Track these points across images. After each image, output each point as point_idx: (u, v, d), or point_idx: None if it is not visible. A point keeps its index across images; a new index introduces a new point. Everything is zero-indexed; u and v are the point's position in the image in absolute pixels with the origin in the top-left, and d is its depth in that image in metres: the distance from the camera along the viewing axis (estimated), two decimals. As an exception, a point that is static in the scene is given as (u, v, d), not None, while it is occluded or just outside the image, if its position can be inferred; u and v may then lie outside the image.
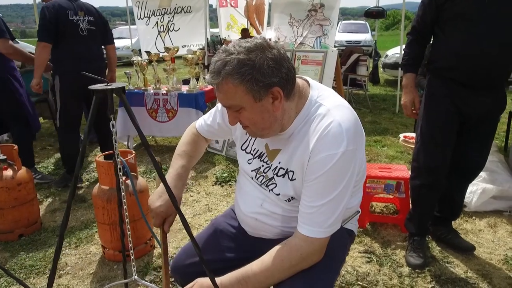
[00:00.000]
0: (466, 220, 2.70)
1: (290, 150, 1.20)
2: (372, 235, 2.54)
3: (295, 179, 1.20)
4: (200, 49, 6.00)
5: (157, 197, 1.32)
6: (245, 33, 7.78)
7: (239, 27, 9.12)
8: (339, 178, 1.12)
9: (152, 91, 4.29)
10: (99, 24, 3.49)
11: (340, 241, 1.34)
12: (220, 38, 7.63)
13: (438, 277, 2.10)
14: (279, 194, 1.25)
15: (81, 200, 3.22)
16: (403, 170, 2.64)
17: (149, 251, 2.45)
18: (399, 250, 2.37)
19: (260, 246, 1.33)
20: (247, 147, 1.36)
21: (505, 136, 4.10)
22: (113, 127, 1.07)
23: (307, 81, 1.24)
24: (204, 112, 4.19)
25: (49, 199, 3.24)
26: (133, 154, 2.38)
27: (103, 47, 3.64)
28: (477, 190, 2.77)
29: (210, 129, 1.48)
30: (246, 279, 1.16)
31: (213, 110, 1.48)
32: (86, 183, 3.58)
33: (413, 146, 3.14)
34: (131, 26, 9.33)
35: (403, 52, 2.20)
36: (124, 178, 2.32)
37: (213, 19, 13.43)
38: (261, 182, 1.31)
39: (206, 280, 1.18)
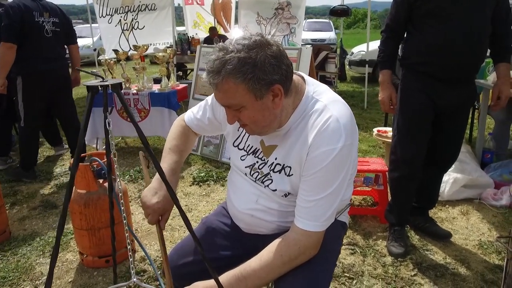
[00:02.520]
0: (440, 209, 2.81)
1: (287, 146, 1.19)
2: (354, 227, 2.59)
3: (292, 174, 1.20)
4: (168, 47, 5.86)
5: (152, 193, 1.25)
6: (213, 32, 7.71)
7: (206, 25, 9.03)
8: (337, 172, 1.13)
9: (121, 91, 4.15)
10: (63, 24, 3.49)
11: (334, 233, 1.35)
12: (188, 36, 7.51)
13: (420, 265, 2.17)
14: (275, 190, 1.24)
15: (51, 206, 3.06)
16: (380, 164, 2.71)
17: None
18: (380, 240, 2.43)
19: (255, 242, 1.31)
20: (239, 143, 1.34)
21: (469, 128, 4.31)
22: (109, 125, 1.01)
23: (303, 77, 1.23)
24: (177, 112, 4.11)
25: (17, 207, 3.06)
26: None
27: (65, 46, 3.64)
28: (449, 180, 2.89)
29: (200, 123, 1.44)
30: (245, 276, 1.14)
31: (202, 103, 1.44)
32: (55, 188, 3.41)
33: (387, 140, 3.24)
34: (92, 25, 8.99)
35: (378, 49, 2.25)
36: (101, 181, 2.25)
37: (180, 17, 13.21)
38: (256, 178, 1.29)
39: (202, 283, 1.16)
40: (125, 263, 2.29)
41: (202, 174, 3.57)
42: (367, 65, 6.22)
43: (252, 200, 1.31)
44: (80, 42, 14.21)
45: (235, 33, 8.28)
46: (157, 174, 1.30)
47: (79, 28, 16.59)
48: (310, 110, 1.15)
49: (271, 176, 1.25)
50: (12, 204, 3.08)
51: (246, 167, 1.31)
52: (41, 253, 2.43)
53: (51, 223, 2.81)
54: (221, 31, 8.60)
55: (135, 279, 1.11)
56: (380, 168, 2.62)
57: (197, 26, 9.02)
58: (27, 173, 3.52)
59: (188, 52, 7.08)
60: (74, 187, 2.23)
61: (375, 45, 7.83)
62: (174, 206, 1.22)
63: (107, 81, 0.94)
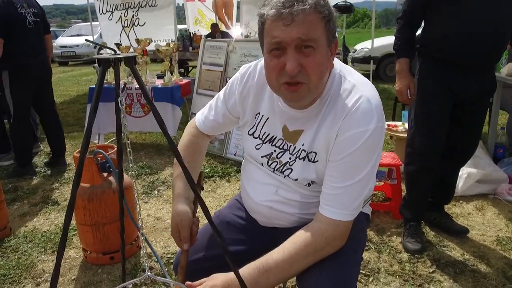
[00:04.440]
0: (454, 205, 2.73)
1: (313, 129, 1.10)
2: (366, 224, 2.50)
3: (317, 161, 1.11)
4: (172, 41, 5.77)
5: (178, 222, 1.18)
6: (215, 28, 7.62)
7: (207, 22, 8.94)
8: (368, 156, 1.05)
9: (123, 86, 4.06)
10: (41, 14, 3.43)
11: (360, 225, 1.27)
12: (190, 33, 7.41)
13: (438, 261, 2.09)
14: (296, 179, 1.16)
15: (53, 202, 2.97)
16: (393, 157, 2.62)
17: (135, 251, 2.28)
18: (395, 236, 2.35)
19: (273, 236, 1.22)
20: (254, 131, 1.25)
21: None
22: (121, 103, 0.93)
23: None
24: (181, 108, 4.02)
25: (17, 203, 2.97)
26: (115, 149, 2.20)
27: None
28: (462, 175, 2.80)
29: (214, 124, 1.33)
30: (267, 268, 1.05)
31: (212, 103, 1.34)
32: (57, 184, 3.32)
33: (397, 134, 3.16)
34: (93, 23, 8.92)
35: (394, 37, 2.17)
36: (106, 174, 2.16)
37: (180, 16, 13.11)
38: (274, 168, 1.20)
39: (222, 275, 1.07)
40: (130, 260, 2.20)
41: (207, 170, 3.49)
42: (371, 62, 6.14)
43: (270, 192, 1.22)
44: (81, 40, 14.11)
45: (237, 30, 8.18)
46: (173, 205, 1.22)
47: (78, 26, 16.56)
48: (337, 90, 1.07)
49: (291, 165, 1.16)
50: (12, 200, 2.99)
51: (262, 156, 1.22)
52: (43, 250, 2.34)
53: (52, 219, 2.72)
54: (222, 28, 8.50)
55: (149, 273, 1.02)
56: (393, 162, 2.53)
57: (199, 23, 8.92)
58: (25, 170, 3.44)
59: (190, 48, 6.98)
60: (77, 180, 2.14)
61: (378, 42, 7.77)
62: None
63: (119, 54, 0.85)
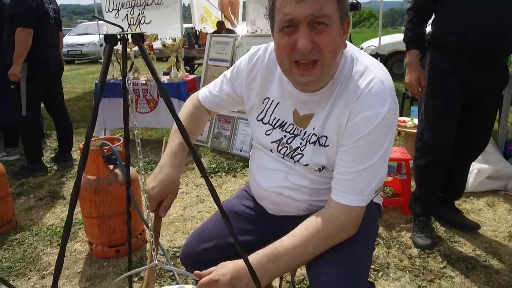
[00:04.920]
0: (465, 200, 2.68)
1: (324, 113, 1.07)
2: (374, 219, 2.46)
3: (328, 145, 1.08)
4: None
5: (152, 178, 1.14)
6: (220, 26, 7.61)
7: (213, 20, 8.93)
8: (382, 140, 1.01)
9: (130, 81, 4.04)
10: (58, 12, 3.47)
11: (372, 215, 1.23)
12: (196, 30, 7.41)
13: (449, 256, 2.05)
14: (307, 165, 1.12)
15: (59, 196, 2.97)
16: (402, 152, 2.58)
17: (141, 245, 2.26)
18: (404, 232, 2.31)
19: (282, 225, 1.18)
20: (264, 117, 1.21)
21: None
22: (128, 83, 0.90)
23: None
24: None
25: (23, 197, 2.96)
26: (121, 141, 2.18)
27: None
28: (473, 171, 2.76)
29: (217, 100, 1.31)
30: (277, 256, 1.02)
31: (218, 80, 1.32)
32: (63, 178, 3.31)
33: (406, 130, 3.12)
34: (99, 22, 8.95)
35: (404, 28, 2.13)
36: (112, 167, 2.14)
37: (185, 16, 13.13)
38: (284, 154, 1.17)
39: (231, 262, 1.04)
40: (135, 253, 2.18)
41: (213, 166, 3.46)
42: (379, 59, 6.08)
43: (280, 178, 1.19)
44: (87, 39, 14.19)
45: (243, 28, 8.16)
46: (161, 159, 1.18)
47: (85, 25, 16.63)
48: (349, 72, 1.03)
49: (301, 150, 1.13)
50: (18, 195, 2.99)
51: (272, 142, 1.19)
52: (48, 243, 2.33)
53: (58, 213, 2.71)
54: (228, 25, 8.49)
55: (156, 262, 0.99)
56: (402, 156, 2.49)
57: (204, 21, 8.91)
58: (36, 166, 3.38)
59: (196, 46, 6.98)
60: (84, 174, 2.13)
61: (385, 39, 7.71)
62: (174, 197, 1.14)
63: (127, 31, 0.83)
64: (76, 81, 9.22)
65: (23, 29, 2.98)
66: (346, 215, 1.03)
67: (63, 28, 3.72)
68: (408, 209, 2.40)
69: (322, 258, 1.04)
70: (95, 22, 9.29)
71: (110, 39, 0.81)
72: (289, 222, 1.11)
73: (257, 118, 1.22)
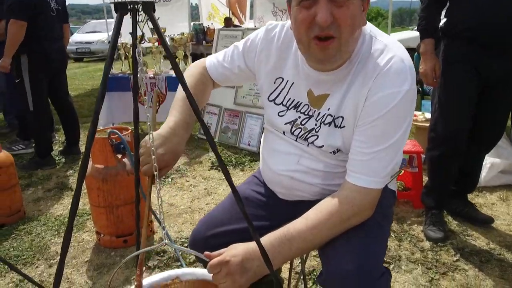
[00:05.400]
0: (477, 195, 2.63)
1: (340, 93, 1.04)
2: (385, 212, 2.42)
3: (344, 126, 1.05)
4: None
5: (161, 142, 1.01)
6: (228, 22, 7.58)
7: (220, 17, 8.91)
8: (400, 120, 0.98)
9: (141, 52, 4.03)
10: (62, 3, 3.43)
11: (387, 200, 1.20)
12: (203, 27, 7.38)
13: (462, 250, 2.00)
14: (321, 147, 1.09)
15: (67, 188, 2.97)
16: (414, 145, 2.54)
17: (149, 235, 2.24)
18: (416, 225, 2.26)
19: (294, 210, 1.14)
20: (276, 97, 1.17)
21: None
22: (139, 55, 0.88)
23: None
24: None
25: (31, 188, 2.96)
26: (129, 131, 2.17)
27: None
28: (485, 165, 2.70)
29: (226, 72, 1.23)
30: (289, 238, 0.99)
31: (229, 50, 1.23)
32: (71, 171, 3.31)
33: (418, 124, 3.07)
34: (108, 20, 9.02)
35: (418, 17, 2.08)
36: (120, 156, 2.13)
37: (193, 16, 13.14)
38: (298, 135, 1.14)
39: (242, 245, 1.01)
40: (143, 244, 2.16)
41: (220, 159, 3.44)
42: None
43: (292, 161, 1.16)
44: (95, 37, 14.25)
45: (251, 25, 8.13)
46: (168, 123, 1.07)
47: (94, 23, 16.71)
48: (368, 50, 1.00)
49: (316, 132, 1.10)
50: (26, 186, 2.99)
51: (286, 123, 1.16)
52: (56, 232, 2.32)
53: (66, 204, 2.70)
54: (236, 22, 8.46)
55: (166, 241, 0.97)
56: (414, 149, 2.45)
57: (212, 18, 8.89)
58: (45, 160, 3.37)
59: (204, 42, 6.95)
60: (91, 162, 2.12)
61: (394, 36, 7.63)
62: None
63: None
64: (85, 78, 9.26)
65: (16, 21, 2.93)
66: (362, 197, 1.00)
67: (71, 26, 3.69)
68: (419, 203, 2.36)
69: (336, 241, 1.01)
70: (104, 20, 9.34)
71: (120, 8, 0.78)
72: (301, 207, 1.08)
73: (268, 98, 1.19)
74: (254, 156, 3.52)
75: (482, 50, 1.89)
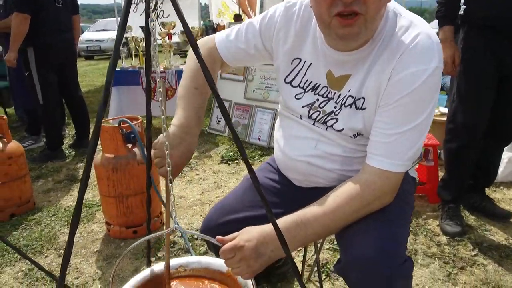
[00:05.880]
0: (495, 190, 2.55)
1: (362, 73, 0.99)
2: (399, 207, 2.36)
3: (365, 108, 1.00)
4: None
5: (177, 142, 0.99)
6: (237, 19, 7.55)
7: (230, 14, 8.87)
8: (427, 100, 0.93)
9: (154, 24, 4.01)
10: None
11: (408, 186, 1.15)
12: (213, 23, 7.38)
13: (480, 245, 1.94)
14: (341, 130, 1.05)
15: (76, 179, 2.96)
16: (430, 137, 2.47)
17: (158, 227, 2.21)
18: (431, 220, 2.20)
19: (310, 197, 1.09)
20: (293, 79, 1.13)
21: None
22: (152, 23, 0.84)
23: None
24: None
25: (41, 180, 2.96)
26: (139, 120, 2.14)
27: None
28: (503, 160, 2.62)
29: (239, 52, 1.14)
30: (305, 222, 0.95)
31: (242, 27, 1.14)
32: (81, 163, 3.30)
33: (433, 118, 2.99)
34: (118, 19, 9.03)
35: (437, 3, 2.02)
36: (130, 146, 2.10)
37: (202, 16, 13.16)
38: (316, 119, 1.09)
39: (255, 228, 0.97)
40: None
41: (230, 153, 3.40)
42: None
43: (309, 146, 1.12)
44: (106, 35, 14.37)
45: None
46: (179, 119, 1.03)
47: (104, 21, 16.83)
48: (392, 27, 0.95)
49: (336, 115, 1.05)
50: (37, 177, 2.99)
51: (303, 106, 1.11)
52: (66, 223, 2.31)
53: (76, 195, 2.67)
54: (245, 19, 8.44)
55: (176, 225, 0.93)
56: (430, 141, 2.38)
57: (222, 15, 8.87)
58: (55, 153, 3.37)
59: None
60: (101, 151, 2.10)
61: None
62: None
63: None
64: (95, 75, 9.31)
65: (18, 14, 2.90)
66: (383, 181, 0.95)
67: (82, 24, 3.65)
68: (435, 197, 2.30)
69: (355, 225, 0.97)
70: (114, 18, 9.39)
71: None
72: (317, 194, 1.03)
73: (284, 80, 1.14)
74: (264, 150, 3.48)
75: (502, 39, 1.83)
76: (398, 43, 0.93)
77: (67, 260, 0.76)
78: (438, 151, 2.40)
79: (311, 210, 0.96)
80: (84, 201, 2.56)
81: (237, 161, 3.27)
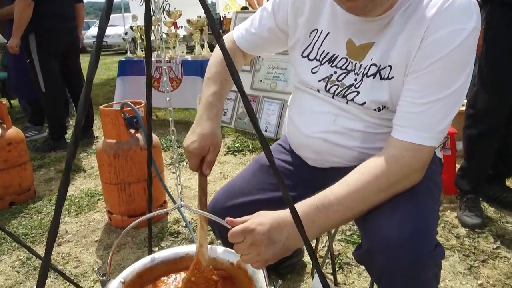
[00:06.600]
0: (514, 182, 2.43)
1: (387, 39, 0.89)
2: (414, 198, 2.25)
3: (392, 77, 0.89)
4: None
5: (189, 134, 1.01)
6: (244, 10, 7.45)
7: (237, 8, 8.77)
8: (463, 65, 0.82)
9: (153, 59, 3.94)
10: None
11: (435, 166, 1.05)
12: (220, 16, 7.28)
13: (502, 237, 1.82)
14: (364, 103, 0.94)
15: (79, 169, 2.88)
16: (446, 126, 2.35)
17: (163, 217, 2.13)
18: (449, 211, 2.09)
19: (326, 179, 0.98)
20: (310, 52, 1.04)
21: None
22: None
23: None
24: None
25: (43, 169, 2.89)
26: (143, 104, 2.05)
27: None
28: (523, 150, 2.50)
29: (255, 39, 1.13)
30: (326, 205, 0.84)
31: (255, 15, 1.14)
32: (84, 153, 3.23)
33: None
34: (124, 14, 9.01)
35: None
36: (133, 131, 2.01)
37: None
38: (334, 92, 0.99)
39: (268, 212, 0.87)
40: (157, 224, 2.05)
41: (237, 145, 3.31)
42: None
43: (327, 121, 1.02)
44: (112, 30, 14.32)
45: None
46: (206, 113, 1.05)
47: (111, 17, 16.78)
48: None
49: (357, 87, 0.95)
50: (39, 167, 2.92)
51: (319, 80, 1.01)
52: (67, 212, 2.23)
53: (78, 185, 2.61)
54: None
55: (182, 203, 0.84)
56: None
57: (228, 9, 8.77)
58: (58, 143, 3.30)
59: (220, 31, 6.85)
60: (103, 136, 2.01)
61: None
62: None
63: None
64: (101, 69, 9.26)
65: (20, 0, 2.84)
66: (412, 155, 0.84)
67: (89, 20, 3.57)
68: (452, 188, 2.18)
69: (380, 207, 0.86)
70: (121, 14, 9.35)
71: None
72: (335, 175, 0.92)
73: (302, 55, 1.05)
74: (271, 142, 3.36)
75: None
76: (429, 4, 0.82)
77: (54, 235, 0.67)
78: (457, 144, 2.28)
79: (333, 191, 0.86)
80: (86, 190, 2.49)
81: (243, 153, 3.18)
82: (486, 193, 2.15)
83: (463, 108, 2.04)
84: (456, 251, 1.74)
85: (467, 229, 1.90)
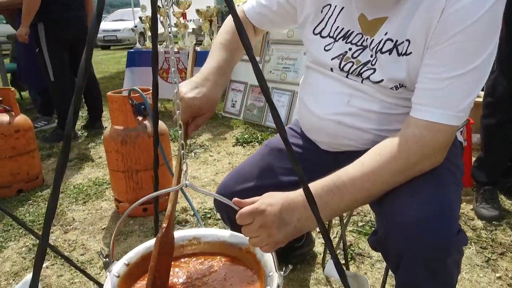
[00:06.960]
0: (533, 175, 2.35)
1: (402, 14, 0.83)
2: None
3: (410, 52, 0.84)
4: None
5: (191, 86, 0.95)
6: (255, 5, 7.40)
7: (245, 1, 8.73)
8: (487, 38, 0.76)
9: (162, 50, 3.92)
10: None
11: (456, 150, 0.99)
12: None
13: (521, 230, 1.76)
14: (380, 81, 0.89)
15: (87, 158, 2.87)
16: (462, 116, 2.28)
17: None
18: (464, 203, 2.02)
19: (339, 163, 0.93)
20: (323, 28, 0.99)
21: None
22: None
23: None
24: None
25: (52, 158, 2.88)
26: (151, 91, 2.01)
27: None
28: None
29: (264, 11, 1.09)
30: (340, 187, 0.80)
31: None
32: (92, 143, 3.22)
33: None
34: (134, 9, 9.02)
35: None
36: (141, 118, 1.98)
37: (218, 2, 13.06)
38: (348, 71, 0.94)
39: (278, 193, 0.83)
40: (164, 213, 2.02)
41: (245, 136, 3.27)
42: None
43: (341, 102, 0.97)
44: (122, 25, 14.38)
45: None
46: (200, 71, 1.02)
47: (121, 11, 16.85)
48: None
49: (373, 64, 0.90)
50: (47, 156, 2.92)
51: (333, 58, 0.96)
52: (74, 200, 2.21)
53: (86, 173, 2.60)
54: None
55: (187, 182, 0.79)
56: (463, 120, 2.19)
57: (239, 1, 8.72)
58: None
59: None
60: (110, 123, 1.99)
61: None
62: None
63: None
64: (111, 63, 9.29)
65: None
66: (433, 135, 0.79)
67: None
68: (467, 180, 2.11)
69: (398, 189, 0.81)
70: (131, 9, 9.38)
71: None
72: (349, 159, 0.87)
73: (313, 32, 1.00)
74: (281, 133, 3.33)
75: None
76: None
77: (51, 215, 0.63)
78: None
79: (347, 172, 0.81)
80: (94, 179, 2.47)
81: (252, 144, 3.13)
82: (504, 185, 2.07)
83: (480, 99, 1.97)
84: (473, 243, 1.68)
85: (483, 222, 1.83)
